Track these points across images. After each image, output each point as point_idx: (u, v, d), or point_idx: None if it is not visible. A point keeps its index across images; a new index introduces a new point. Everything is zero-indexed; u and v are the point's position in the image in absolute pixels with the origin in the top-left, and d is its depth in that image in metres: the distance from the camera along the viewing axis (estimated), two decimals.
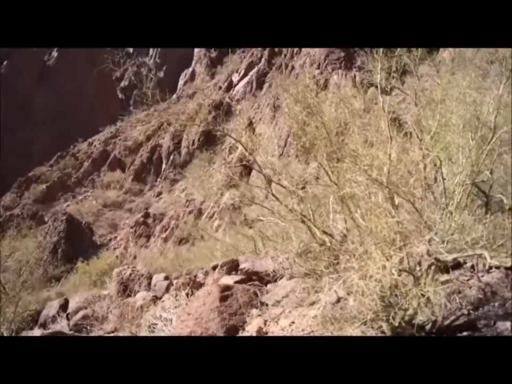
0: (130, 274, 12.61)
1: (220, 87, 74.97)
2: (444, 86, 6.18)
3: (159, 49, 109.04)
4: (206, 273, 11.43)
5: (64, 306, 13.06)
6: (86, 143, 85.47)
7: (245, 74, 72.18)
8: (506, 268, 5.67)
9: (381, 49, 5.18)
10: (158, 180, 69.84)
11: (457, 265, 6.29)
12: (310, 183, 6.86)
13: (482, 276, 6.09)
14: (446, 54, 50.53)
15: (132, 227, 57.72)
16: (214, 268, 11.45)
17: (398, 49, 8.80)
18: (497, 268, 5.89)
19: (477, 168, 4.59)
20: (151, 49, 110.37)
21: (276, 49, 70.44)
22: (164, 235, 51.77)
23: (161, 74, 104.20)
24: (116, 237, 61.11)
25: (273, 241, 10.34)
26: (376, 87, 5.45)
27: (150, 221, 57.14)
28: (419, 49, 8.77)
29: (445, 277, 5.68)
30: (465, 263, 6.50)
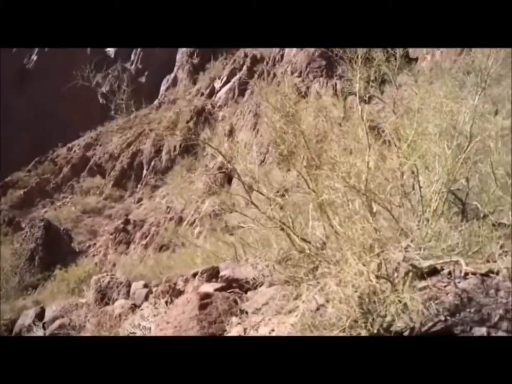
0: (108, 282, 12.40)
1: (202, 94, 74.95)
2: (421, 96, 6.29)
3: (141, 54, 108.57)
4: (186, 281, 11.32)
5: (40, 315, 12.74)
6: (65, 148, 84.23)
7: (227, 81, 72.36)
8: (482, 274, 5.75)
9: (359, 59, 5.23)
10: (139, 186, 69.19)
11: (434, 271, 6.38)
12: (290, 190, 6.88)
13: (459, 282, 6.16)
14: (424, 63, 51.57)
15: (111, 234, 56.96)
16: (194, 275, 11.35)
17: (377, 59, 8.95)
18: (474, 274, 5.97)
19: (453, 176, 4.68)
20: (132, 55, 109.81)
21: (258, 57, 70.92)
22: (144, 242, 51.23)
23: (142, 79, 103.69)
24: (95, 244, 60.18)
25: (254, 248, 10.32)
26: (356, 95, 5.51)
27: (130, 227, 56.48)
28: (397, 59, 8.94)
29: (422, 283, 5.75)
30: (442, 269, 6.59)
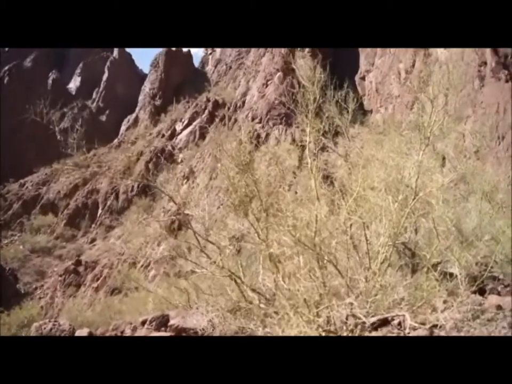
0: (50, 330, 11.63)
1: (163, 135, 75.01)
2: (372, 149, 6.53)
3: (103, 93, 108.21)
4: (134, 329, 10.82)
5: None
6: (17, 183, 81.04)
7: (189, 124, 72.97)
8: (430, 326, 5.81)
9: (310, 113, 5.39)
10: (93, 225, 67.00)
11: (385, 322, 6.41)
12: (246, 236, 6.82)
13: (409, 333, 6.21)
14: (378, 116, 54.09)
15: (60, 275, 54.28)
16: (143, 323, 10.88)
17: (331, 111, 9.31)
18: (423, 324, 6.03)
19: (398, 230, 4.79)
20: (94, 93, 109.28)
21: (220, 102, 72.32)
22: (95, 284, 49.13)
23: (103, 118, 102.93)
24: (42, 286, 57.04)
25: (207, 294, 10.08)
26: (307, 147, 5.64)
27: (81, 269, 54.14)
28: (349, 112, 9.32)
29: (372, 335, 5.74)
30: (393, 319, 6.65)
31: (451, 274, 6.03)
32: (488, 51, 41.96)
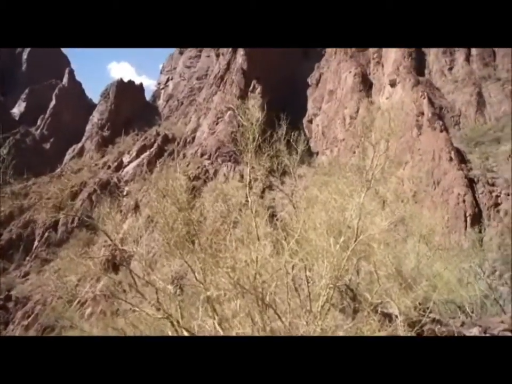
0: None
1: (109, 166, 73.21)
2: (316, 190, 6.59)
3: (48, 120, 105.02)
4: None
5: None
6: None
7: (137, 157, 71.82)
8: None
9: (250, 151, 5.37)
10: (27, 258, 63.07)
11: None
12: (185, 277, 6.57)
13: None
14: (324, 157, 55.77)
15: None
16: None
17: (279, 150, 9.42)
18: None
19: (339, 272, 4.78)
20: (39, 120, 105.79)
21: (170, 136, 72.06)
22: (25, 322, 45.78)
23: (47, 146, 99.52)
24: None
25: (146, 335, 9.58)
26: (248, 187, 5.59)
27: (10, 305, 50.42)
28: (298, 153, 9.47)
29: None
30: None
31: (390, 316, 6.07)
32: (425, 102, 45.01)
